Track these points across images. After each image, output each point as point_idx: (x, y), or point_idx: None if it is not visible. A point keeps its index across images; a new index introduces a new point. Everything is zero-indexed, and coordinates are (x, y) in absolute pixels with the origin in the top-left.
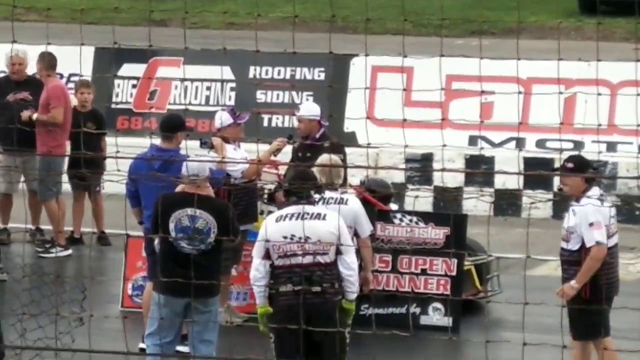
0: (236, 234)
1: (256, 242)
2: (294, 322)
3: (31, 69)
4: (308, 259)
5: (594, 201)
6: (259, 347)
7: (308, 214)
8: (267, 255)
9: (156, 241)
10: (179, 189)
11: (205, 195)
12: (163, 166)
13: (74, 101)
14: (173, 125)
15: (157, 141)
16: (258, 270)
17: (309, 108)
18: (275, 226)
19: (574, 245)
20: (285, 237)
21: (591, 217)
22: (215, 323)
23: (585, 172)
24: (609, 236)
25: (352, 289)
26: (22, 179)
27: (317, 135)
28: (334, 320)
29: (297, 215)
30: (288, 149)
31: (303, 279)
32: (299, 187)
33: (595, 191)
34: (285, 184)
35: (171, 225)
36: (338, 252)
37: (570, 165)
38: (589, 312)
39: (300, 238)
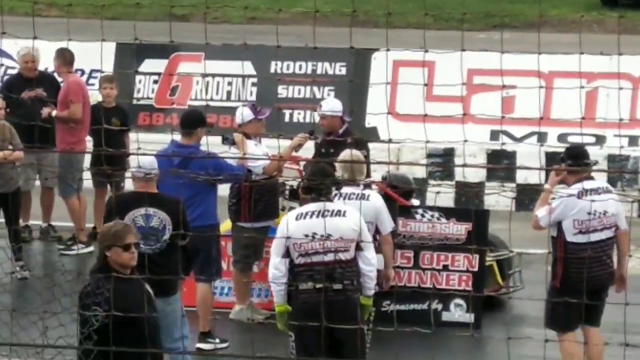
0: (188, 229)
1: (275, 240)
2: (316, 320)
3: (50, 65)
4: (330, 257)
5: (570, 192)
6: (280, 345)
7: (328, 211)
8: (287, 254)
9: None
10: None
11: (156, 192)
12: (183, 162)
13: (95, 97)
14: (193, 121)
15: (178, 137)
16: (278, 268)
17: (331, 104)
18: (296, 224)
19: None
20: (306, 235)
21: (553, 203)
22: (184, 317)
23: (574, 165)
24: (589, 231)
25: (371, 285)
26: (38, 176)
27: (341, 131)
28: (356, 317)
29: (318, 213)
30: (310, 145)
31: (324, 277)
32: (319, 183)
33: (580, 185)
34: (304, 180)
35: None
36: (358, 249)
37: (562, 155)
38: (559, 303)
39: (322, 236)
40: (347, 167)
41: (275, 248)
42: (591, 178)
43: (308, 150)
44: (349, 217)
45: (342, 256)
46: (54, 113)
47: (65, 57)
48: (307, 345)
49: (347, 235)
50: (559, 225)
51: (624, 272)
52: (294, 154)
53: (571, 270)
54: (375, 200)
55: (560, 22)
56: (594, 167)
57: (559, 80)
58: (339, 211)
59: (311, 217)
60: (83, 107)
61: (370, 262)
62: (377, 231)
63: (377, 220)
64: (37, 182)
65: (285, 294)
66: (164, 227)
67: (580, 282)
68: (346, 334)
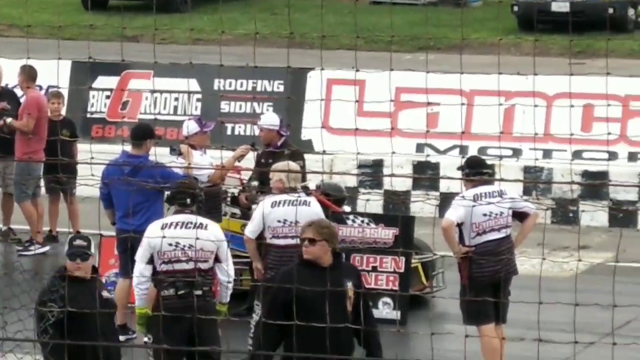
0: None
1: (140, 248)
2: (178, 324)
3: (10, 80)
4: (191, 265)
5: (466, 196)
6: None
7: (192, 223)
8: (151, 261)
9: None
10: None
11: None
12: (133, 171)
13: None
14: (142, 133)
15: (129, 148)
16: (142, 274)
17: (269, 118)
18: (160, 234)
19: None
20: (170, 245)
21: (452, 204)
22: None
23: (471, 173)
24: (481, 233)
25: (226, 294)
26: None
27: (279, 144)
28: (215, 321)
29: (182, 224)
30: (250, 156)
31: (185, 284)
32: (182, 197)
33: (475, 191)
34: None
35: None
36: (217, 260)
37: (462, 165)
38: (468, 300)
39: (184, 246)
40: (285, 177)
41: (140, 255)
42: (487, 184)
43: (249, 160)
44: (210, 230)
45: (202, 265)
46: (8, 120)
47: (28, 73)
48: (165, 350)
49: (207, 247)
50: (459, 229)
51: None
52: (236, 164)
53: (474, 269)
54: (315, 206)
55: (481, 45)
56: (511, 178)
57: (479, 98)
58: (201, 224)
59: (176, 227)
60: (40, 121)
61: (227, 273)
62: None
63: None
64: None
65: (146, 298)
66: None
67: (482, 279)
68: (205, 337)
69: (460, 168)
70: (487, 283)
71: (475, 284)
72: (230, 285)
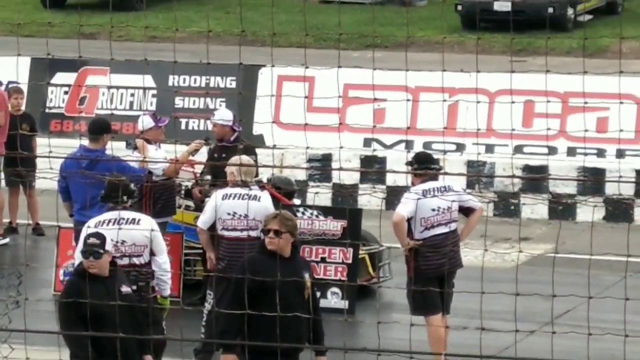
0: None
1: (79, 247)
2: None
3: None
4: (125, 261)
5: (415, 191)
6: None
7: (124, 219)
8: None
9: None
10: None
11: None
12: (90, 165)
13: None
14: (99, 128)
15: (86, 142)
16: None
17: (222, 114)
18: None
19: None
20: None
21: (402, 199)
22: None
23: (419, 168)
24: (429, 227)
25: (165, 287)
26: None
27: (232, 139)
28: (149, 315)
29: (114, 221)
30: (204, 150)
31: None
32: (116, 195)
33: (423, 186)
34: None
35: None
36: (152, 254)
37: (410, 160)
38: (414, 290)
39: (116, 242)
40: (239, 171)
41: (77, 250)
42: (435, 179)
43: (202, 155)
44: (142, 225)
45: (136, 260)
46: None
47: None
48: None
49: (140, 242)
50: (408, 223)
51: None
52: (190, 158)
53: (421, 262)
54: (265, 200)
55: (426, 43)
56: (455, 172)
57: (424, 94)
58: (134, 219)
59: (107, 224)
60: (4, 116)
61: (161, 267)
62: None
63: None
64: None
65: None
66: None
67: (429, 271)
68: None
69: (409, 163)
70: (433, 275)
71: (421, 276)
72: (166, 278)
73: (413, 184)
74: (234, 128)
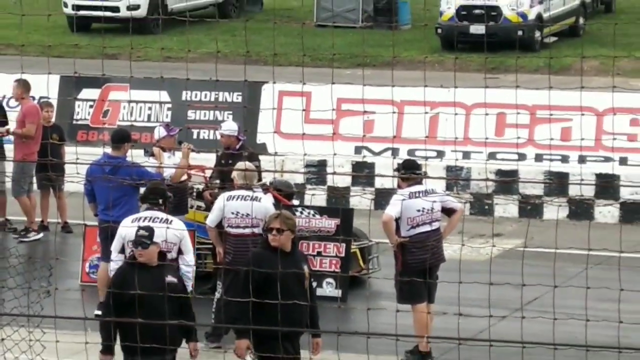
0: None
1: (115, 240)
2: None
3: (6, 92)
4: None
5: (402, 194)
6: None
7: (158, 218)
8: (123, 250)
9: None
10: None
11: None
12: (112, 170)
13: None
14: (120, 137)
15: (109, 150)
16: (115, 262)
17: (229, 125)
18: (131, 227)
19: None
20: None
21: (391, 201)
22: None
23: (406, 173)
24: (415, 226)
25: (189, 283)
26: None
27: (237, 147)
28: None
29: (150, 219)
30: (212, 157)
31: None
32: (154, 197)
33: (409, 189)
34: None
35: None
36: (180, 252)
37: (398, 166)
38: (401, 282)
39: None
40: (243, 175)
41: (114, 245)
42: (420, 184)
43: (212, 161)
44: (174, 225)
45: (167, 256)
46: (12, 130)
47: (24, 85)
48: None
49: (171, 239)
50: (396, 222)
51: (447, 232)
52: (201, 164)
53: (407, 256)
54: (265, 202)
55: (410, 62)
56: (435, 175)
57: (408, 107)
58: (166, 219)
59: (145, 221)
60: (37, 127)
61: (188, 264)
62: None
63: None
64: None
65: None
66: None
67: (415, 265)
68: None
69: (397, 169)
70: (419, 269)
71: (408, 269)
72: (190, 275)
73: (400, 187)
74: (239, 137)
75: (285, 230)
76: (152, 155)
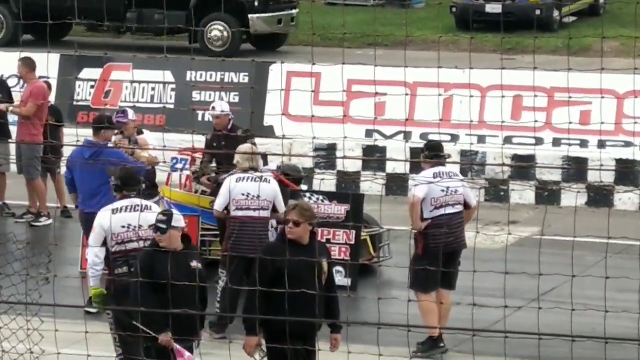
0: None
1: (93, 232)
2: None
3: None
4: (141, 244)
5: (425, 175)
6: None
7: (138, 205)
8: (104, 243)
9: None
10: None
11: None
12: (92, 156)
13: None
14: (98, 122)
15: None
16: (97, 256)
17: (222, 106)
18: (113, 218)
19: None
20: (123, 227)
21: (416, 180)
22: None
23: (430, 154)
24: (438, 207)
25: None
26: None
27: (229, 127)
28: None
29: (130, 207)
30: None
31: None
32: (133, 183)
33: (434, 170)
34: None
35: None
36: None
37: (422, 147)
38: (419, 267)
39: (135, 227)
40: (248, 157)
41: (93, 239)
42: (443, 165)
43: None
44: (154, 211)
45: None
46: (10, 108)
47: (29, 65)
48: (122, 322)
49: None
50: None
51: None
52: (194, 146)
53: (429, 240)
54: (274, 183)
55: (423, 41)
56: (449, 160)
57: (421, 89)
58: (146, 206)
59: (125, 210)
60: (42, 107)
61: None
62: (274, 209)
63: (275, 200)
64: None
65: (100, 278)
66: None
67: (437, 248)
68: None
69: (421, 150)
70: (440, 252)
71: (429, 253)
72: None
73: (423, 169)
74: (229, 117)
75: (303, 222)
76: (136, 143)
